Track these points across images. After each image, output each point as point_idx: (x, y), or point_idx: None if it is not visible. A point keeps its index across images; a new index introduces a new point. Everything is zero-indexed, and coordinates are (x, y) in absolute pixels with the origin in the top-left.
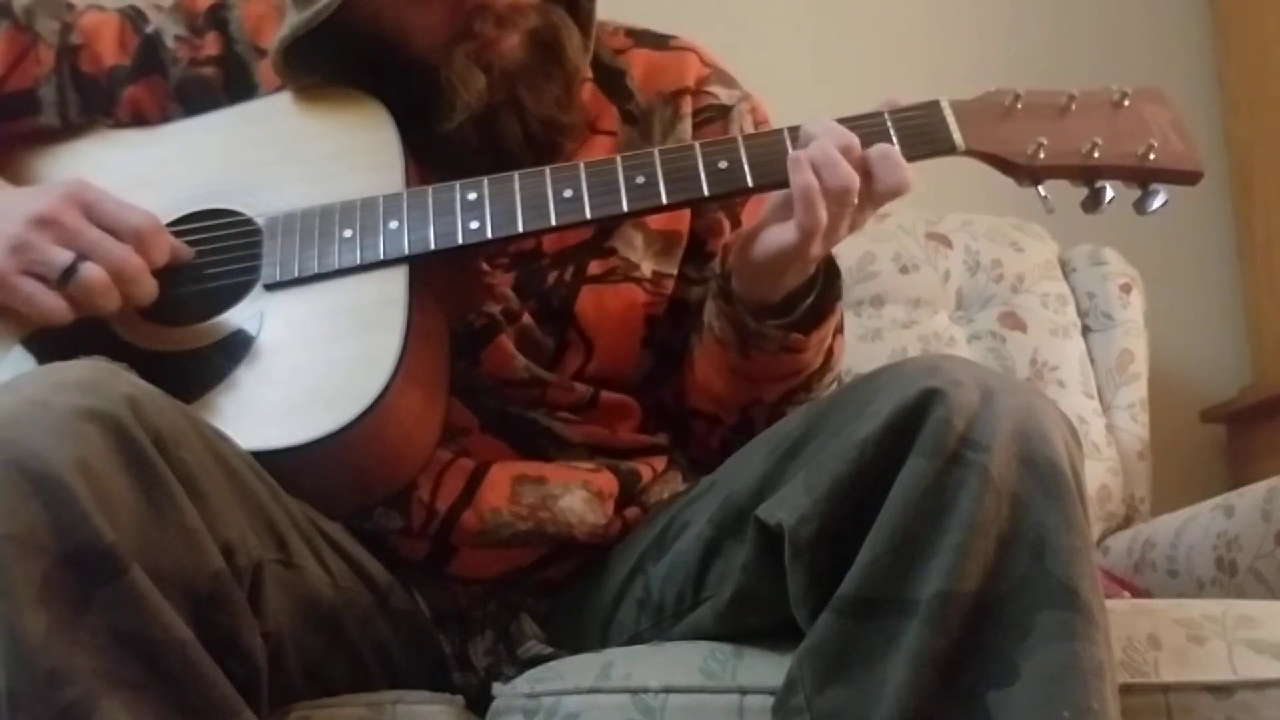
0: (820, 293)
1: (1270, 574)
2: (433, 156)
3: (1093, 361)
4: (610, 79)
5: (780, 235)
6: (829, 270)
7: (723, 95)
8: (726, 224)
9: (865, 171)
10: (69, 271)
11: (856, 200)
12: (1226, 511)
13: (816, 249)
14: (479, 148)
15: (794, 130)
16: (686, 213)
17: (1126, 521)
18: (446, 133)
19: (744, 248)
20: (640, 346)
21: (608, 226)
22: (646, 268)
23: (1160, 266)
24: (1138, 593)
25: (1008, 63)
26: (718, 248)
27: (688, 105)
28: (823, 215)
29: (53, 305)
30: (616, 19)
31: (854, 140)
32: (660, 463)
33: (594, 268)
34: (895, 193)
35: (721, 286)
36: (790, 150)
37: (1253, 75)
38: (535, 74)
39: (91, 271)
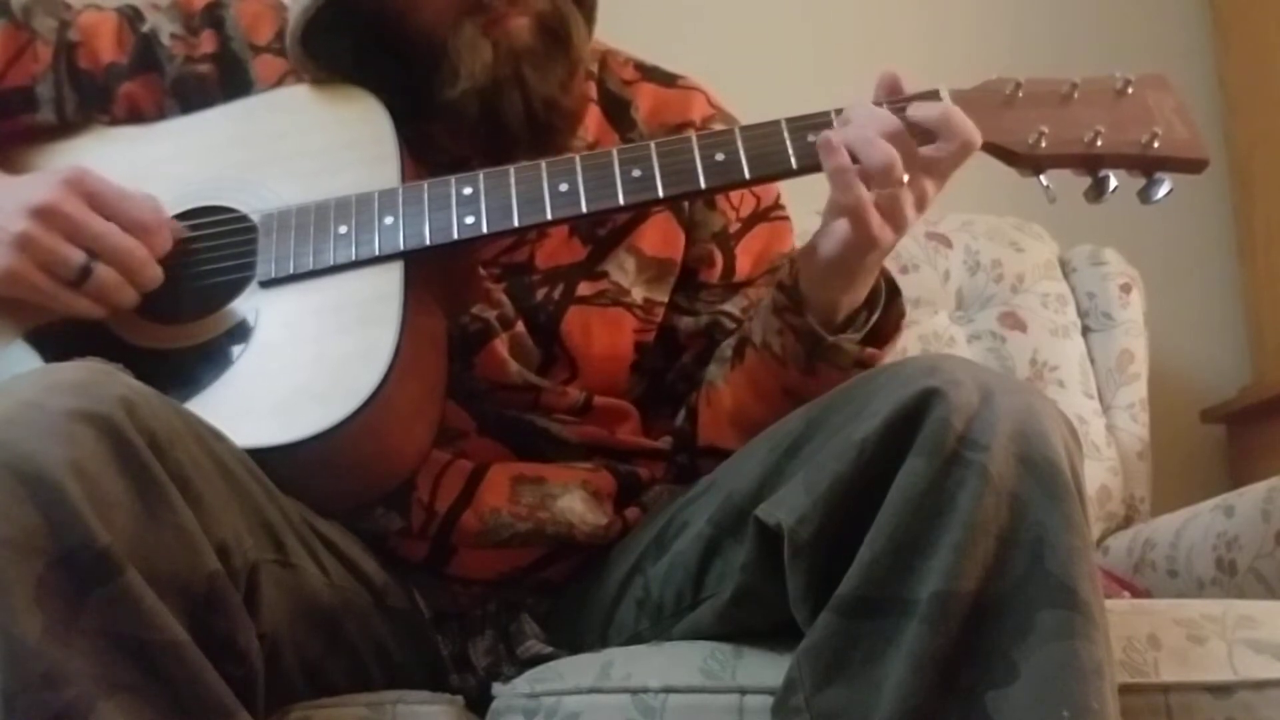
0: (884, 310)
1: (1270, 574)
2: (432, 132)
3: (1093, 361)
4: (616, 107)
5: (843, 226)
6: (890, 289)
7: None
8: (719, 256)
9: (925, 139)
10: (84, 272)
11: (905, 176)
12: (1226, 511)
13: (881, 233)
14: (479, 121)
15: (791, 121)
16: (681, 241)
17: (1126, 521)
18: (448, 103)
19: (811, 249)
20: (628, 371)
21: (602, 249)
22: (638, 294)
23: (1160, 266)
24: (1138, 593)
25: (1006, 66)
26: (710, 278)
27: None
28: (861, 194)
29: (82, 306)
30: (618, 20)
31: (893, 121)
32: (660, 467)
33: (583, 289)
34: (964, 152)
35: (789, 299)
36: (788, 143)
37: (1253, 75)
38: (541, 55)
39: (105, 274)
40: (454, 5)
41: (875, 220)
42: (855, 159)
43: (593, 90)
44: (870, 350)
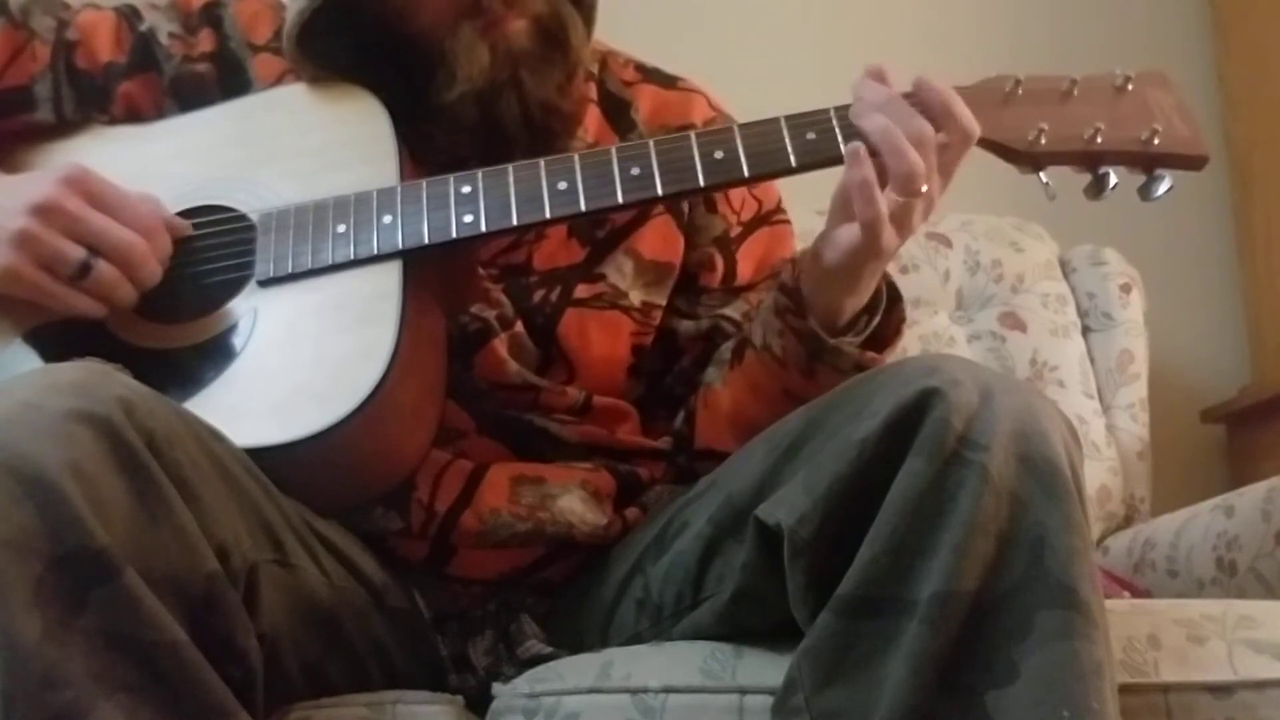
0: (884, 315)
1: (1270, 574)
2: (430, 132)
3: (1093, 361)
4: (616, 108)
5: (850, 232)
6: (891, 294)
7: None
8: (720, 260)
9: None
10: (84, 268)
11: (924, 186)
12: (1226, 511)
13: (890, 242)
14: (477, 124)
15: (790, 119)
16: (680, 245)
17: (1126, 521)
18: (446, 106)
19: (815, 254)
20: (626, 374)
21: (600, 251)
22: (635, 297)
23: (1160, 266)
24: (1138, 593)
25: (1006, 64)
26: (711, 282)
27: None
28: (882, 209)
29: (82, 304)
30: (618, 21)
31: (927, 130)
32: (659, 468)
33: (581, 291)
34: (964, 143)
35: (791, 300)
36: (788, 141)
37: (1253, 75)
38: (539, 59)
39: (105, 271)
40: (451, 8)
41: (888, 232)
42: (874, 153)
43: (593, 91)
44: (870, 354)
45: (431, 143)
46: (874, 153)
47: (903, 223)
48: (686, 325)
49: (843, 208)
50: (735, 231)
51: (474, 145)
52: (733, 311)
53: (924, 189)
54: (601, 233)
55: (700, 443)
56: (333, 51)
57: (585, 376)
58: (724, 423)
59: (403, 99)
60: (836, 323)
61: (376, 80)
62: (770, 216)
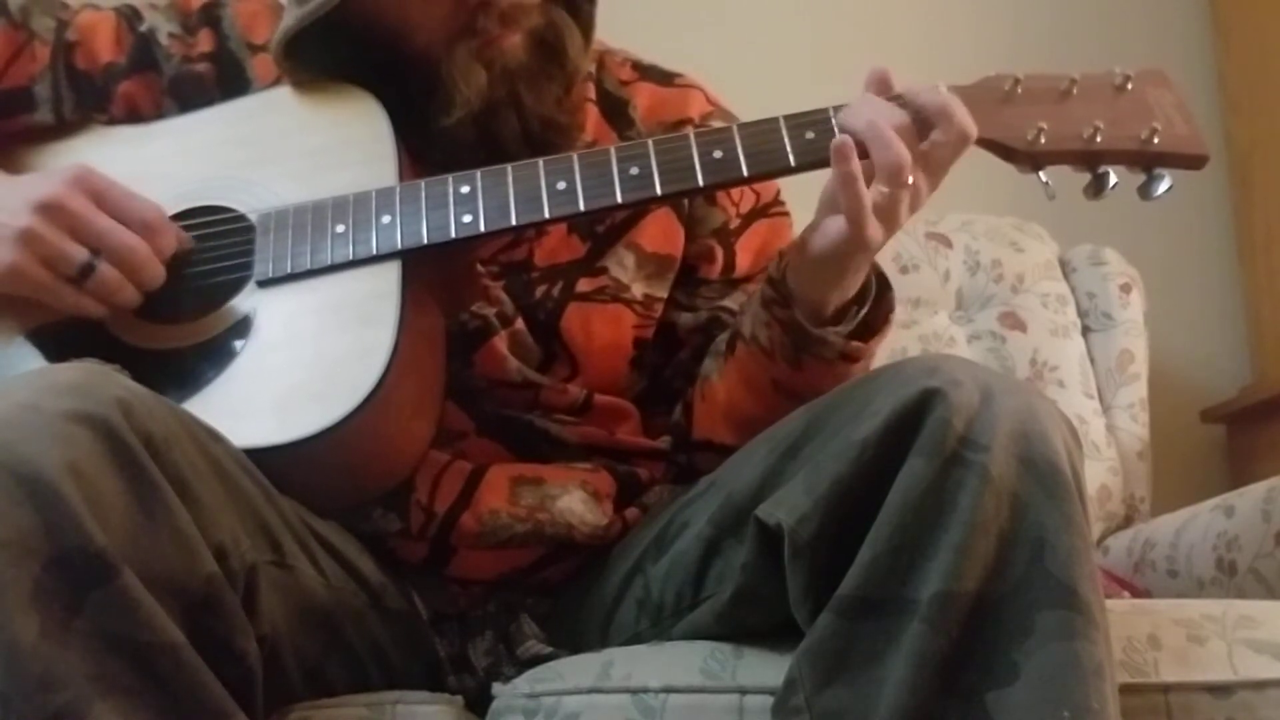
0: (873, 304)
1: (1270, 574)
2: (429, 154)
3: (1093, 361)
4: (614, 107)
5: (837, 224)
6: (880, 283)
7: None
8: (719, 252)
9: (923, 132)
10: (86, 269)
11: (910, 178)
12: (1226, 511)
13: (874, 234)
14: (476, 144)
15: (789, 119)
16: (680, 237)
17: (1126, 521)
18: (444, 129)
19: (802, 244)
20: (628, 367)
21: (601, 245)
22: (637, 290)
23: (1160, 266)
24: (1138, 593)
25: (1005, 63)
26: (710, 274)
27: None
28: (866, 201)
29: (84, 304)
30: (616, 20)
31: (905, 119)
32: (659, 467)
33: (583, 285)
34: (961, 144)
35: (777, 292)
36: (786, 141)
37: (1253, 75)
38: (536, 73)
39: (108, 272)
40: (445, 30)
41: (872, 223)
42: (864, 154)
43: (590, 90)
44: (855, 344)
45: (431, 149)
46: (863, 154)
47: (889, 216)
48: (686, 318)
49: (830, 201)
50: (734, 224)
51: (472, 161)
52: (731, 303)
53: (909, 180)
54: (602, 227)
55: (698, 434)
56: (325, 69)
57: (588, 371)
58: (720, 415)
59: (400, 119)
60: (822, 314)
61: None
62: (769, 208)
